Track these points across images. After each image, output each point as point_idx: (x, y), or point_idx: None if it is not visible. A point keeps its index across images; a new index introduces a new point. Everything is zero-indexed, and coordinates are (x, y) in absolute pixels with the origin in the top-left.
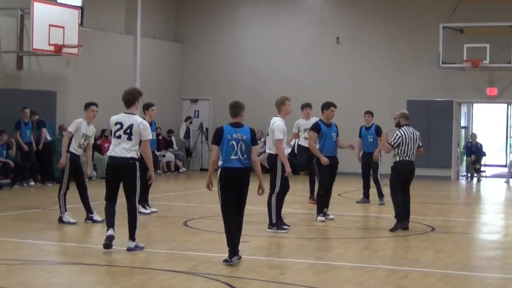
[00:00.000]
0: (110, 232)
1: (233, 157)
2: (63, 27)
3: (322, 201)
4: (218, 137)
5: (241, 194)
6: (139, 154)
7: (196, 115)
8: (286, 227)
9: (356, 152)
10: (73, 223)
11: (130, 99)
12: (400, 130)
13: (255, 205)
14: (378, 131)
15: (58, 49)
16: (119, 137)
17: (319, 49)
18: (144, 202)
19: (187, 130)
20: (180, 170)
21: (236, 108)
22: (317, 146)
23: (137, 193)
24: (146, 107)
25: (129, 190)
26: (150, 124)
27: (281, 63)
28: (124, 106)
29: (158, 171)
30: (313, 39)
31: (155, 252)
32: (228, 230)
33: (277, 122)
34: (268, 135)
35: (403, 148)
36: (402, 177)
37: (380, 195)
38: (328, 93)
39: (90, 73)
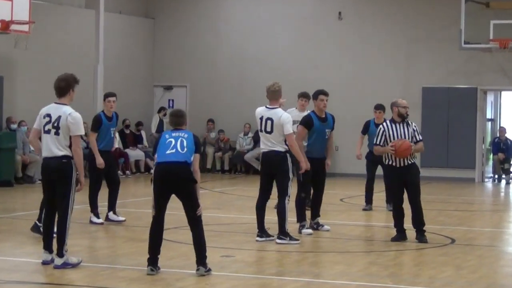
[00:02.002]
0: (46, 257)
1: (169, 151)
2: (10, 0)
3: (303, 207)
4: (156, 145)
5: (184, 194)
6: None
7: (171, 105)
8: (295, 240)
9: (357, 148)
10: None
11: (63, 87)
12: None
13: (239, 212)
14: None
15: (5, 26)
16: (48, 131)
17: (317, 26)
18: (96, 209)
19: (160, 123)
20: (151, 171)
21: (178, 118)
22: (305, 144)
23: (71, 198)
24: (104, 97)
25: (60, 195)
26: (111, 117)
27: (272, 42)
28: (56, 95)
29: (127, 172)
30: (310, 14)
31: (119, 269)
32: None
33: (286, 114)
34: (264, 131)
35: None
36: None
37: (390, 201)
38: (327, 78)
39: (43, 54)
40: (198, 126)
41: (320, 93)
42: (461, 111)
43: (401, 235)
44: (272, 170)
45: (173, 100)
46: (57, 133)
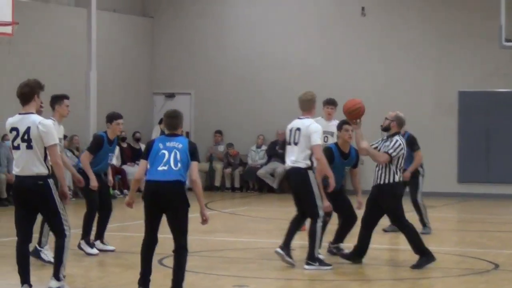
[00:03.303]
0: None
1: (161, 168)
2: None
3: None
4: (147, 150)
5: (173, 217)
6: (50, 167)
7: None
8: (327, 265)
9: None
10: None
11: (26, 93)
12: (399, 137)
13: (252, 236)
14: (412, 143)
15: None
16: (18, 147)
17: (338, 24)
18: (88, 236)
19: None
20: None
21: (173, 120)
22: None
23: (61, 213)
24: (110, 119)
25: (50, 218)
26: (112, 141)
27: (287, 44)
28: (20, 104)
29: (125, 190)
30: (329, 10)
31: None
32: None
33: (315, 124)
34: (292, 142)
35: (401, 162)
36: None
37: (423, 221)
38: (350, 82)
39: (28, 60)
40: (204, 138)
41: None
42: (503, 118)
43: (426, 258)
44: (295, 189)
45: None
46: (29, 147)
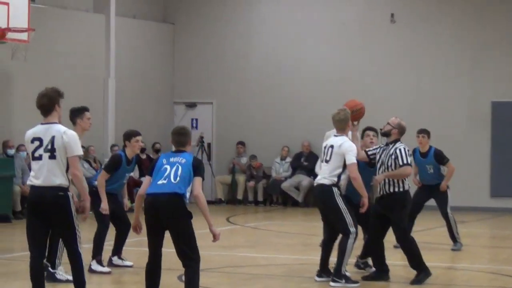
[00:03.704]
0: None
1: (160, 181)
2: (7, 4)
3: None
4: (152, 166)
5: (174, 232)
6: (70, 179)
7: (194, 125)
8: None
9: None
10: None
11: (46, 104)
12: (402, 144)
13: (276, 252)
14: (439, 158)
15: (0, 34)
16: (39, 158)
17: (366, 31)
18: (100, 255)
19: None
20: None
21: (180, 137)
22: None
23: (77, 234)
24: (128, 136)
25: (65, 233)
26: (131, 160)
27: (313, 51)
28: (41, 114)
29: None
30: (357, 17)
31: None
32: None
33: (349, 142)
34: (324, 160)
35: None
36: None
37: (453, 237)
38: (379, 91)
39: (45, 67)
40: (226, 149)
41: (367, 129)
42: None
43: (425, 273)
44: (320, 207)
45: (197, 120)
46: (52, 157)
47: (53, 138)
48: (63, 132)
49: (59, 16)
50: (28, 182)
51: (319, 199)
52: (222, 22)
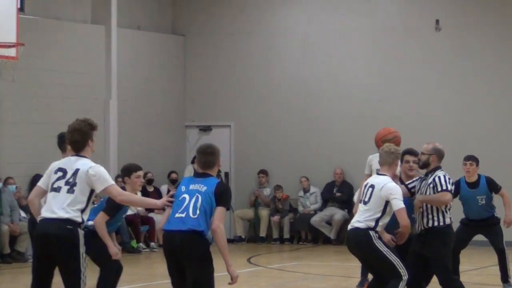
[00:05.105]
0: None
1: (178, 215)
2: None
3: None
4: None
5: (190, 274)
6: (85, 218)
7: None
8: None
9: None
10: None
11: (79, 141)
12: (443, 171)
13: None
14: (494, 184)
15: None
16: (57, 189)
17: (408, 40)
18: None
19: None
20: None
21: (206, 157)
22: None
23: (82, 279)
24: (127, 172)
25: (67, 276)
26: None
27: (344, 66)
28: (72, 150)
29: (152, 243)
30: (398, 24)
31: None
32: None
33: (391, 183)
34: (362, 201)
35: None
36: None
37: (506, 276)
38: (424, 109)
39: (36, 88)
40: (247, 179)
41: (406, 153)
42: None
43: None
44: (357, 253)
45: None
46: (71, 191)
47: (76, 171)
48: (89, 167)
49: (52, 28)
50: (38, 218)
51: (354, 245)
52: (240, 35)
